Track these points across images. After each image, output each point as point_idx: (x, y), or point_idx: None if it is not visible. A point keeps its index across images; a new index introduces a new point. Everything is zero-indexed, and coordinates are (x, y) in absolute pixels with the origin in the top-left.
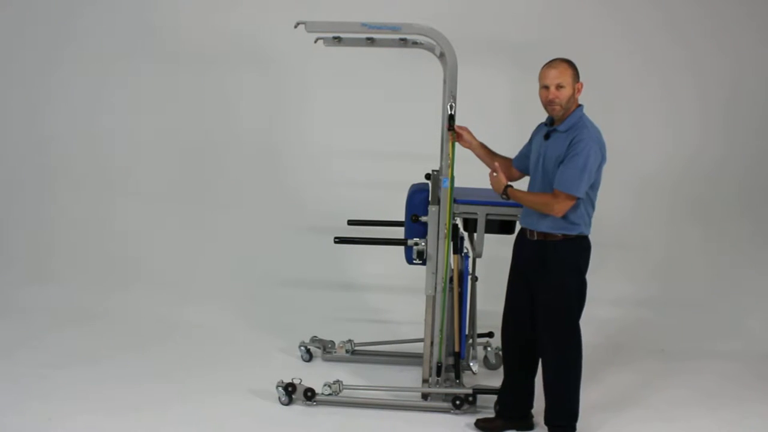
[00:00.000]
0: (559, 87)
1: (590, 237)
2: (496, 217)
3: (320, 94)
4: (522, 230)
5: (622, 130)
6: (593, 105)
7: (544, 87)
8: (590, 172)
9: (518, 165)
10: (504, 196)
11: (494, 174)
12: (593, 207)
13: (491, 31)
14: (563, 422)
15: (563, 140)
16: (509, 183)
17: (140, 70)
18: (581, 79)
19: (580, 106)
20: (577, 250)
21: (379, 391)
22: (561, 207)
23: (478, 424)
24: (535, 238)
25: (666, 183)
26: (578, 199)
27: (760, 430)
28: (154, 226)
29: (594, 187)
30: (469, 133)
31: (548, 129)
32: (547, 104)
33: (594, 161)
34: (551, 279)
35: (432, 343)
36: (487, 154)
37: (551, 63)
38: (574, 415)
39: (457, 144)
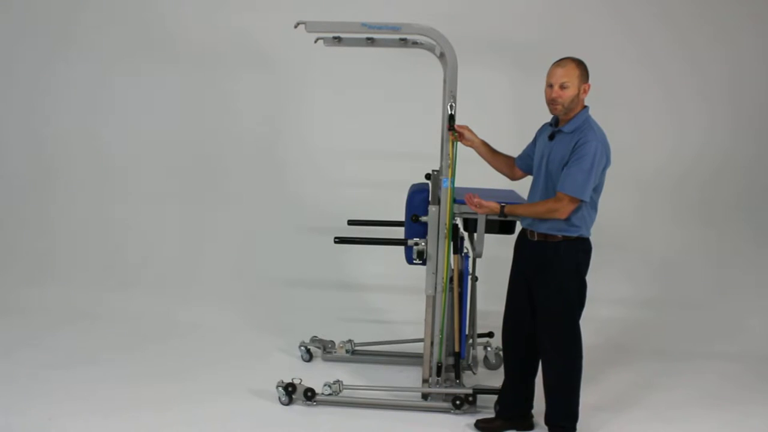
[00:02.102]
0: (563, 87)
1: (591, 238)
2: (496, 217)
3: (320, 94)
4: (523, 230)
5: (623, 130)
6: (593, 105)
7: (549, 85)
8: (595, 175)
9: (521, 164)
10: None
11: (478, 203)
12: (596, 210)
13: (491, 31)
14: (563, 422)
15: (568, 141)
16: (502, 203)
17: (140, 70)
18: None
19: (585, 107)
20: (577, 251)
21: (379, 391)
22: (566, 210)
23: (478, 424)
24: (535, 239)
25: (667, 184)
26: (582, 201)
27: (761, 430)
28: (154, 226)
29: (597, 190)
30: (470, 131)
31: (553, 129)
32: (550, 102)
33: (599, 164)
34: (550, 280)
35: (432, 343)
36: (488, 152)
37: (559, 62)
38: (574, 416)
39: (457, 144)
